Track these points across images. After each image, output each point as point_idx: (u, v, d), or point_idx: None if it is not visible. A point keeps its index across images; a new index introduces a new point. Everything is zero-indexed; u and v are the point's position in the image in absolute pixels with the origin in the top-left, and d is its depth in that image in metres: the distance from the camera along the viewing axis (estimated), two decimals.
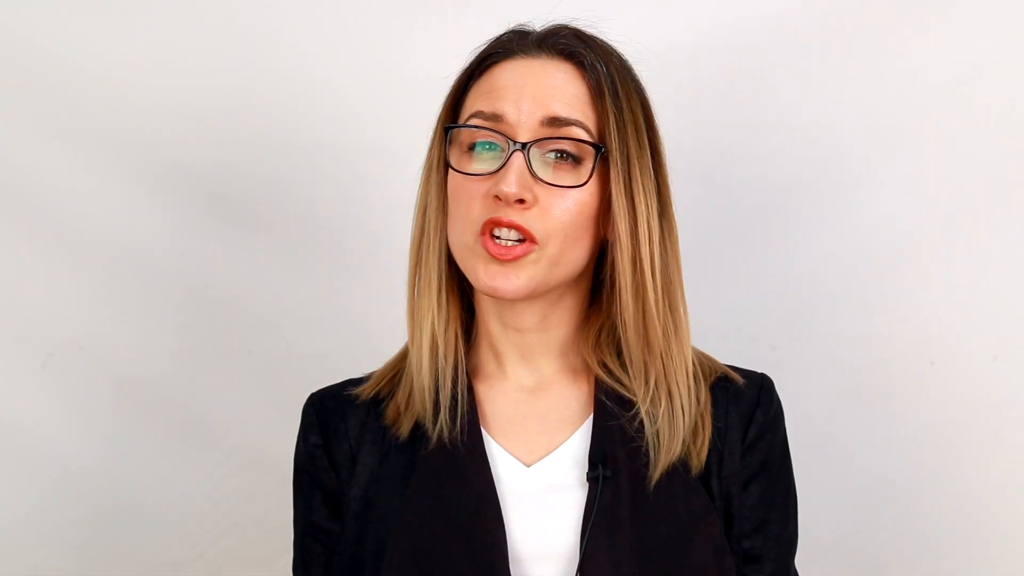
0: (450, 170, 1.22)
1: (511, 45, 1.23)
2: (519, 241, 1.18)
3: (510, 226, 1.17)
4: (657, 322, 1.21)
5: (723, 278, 1.64)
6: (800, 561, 1.29)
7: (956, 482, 1.61)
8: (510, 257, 1.17)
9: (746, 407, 1.25)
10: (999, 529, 1.61)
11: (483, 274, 1.18)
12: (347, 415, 1.28)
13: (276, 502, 1.58)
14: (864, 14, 1.62)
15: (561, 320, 1.26)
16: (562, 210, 1.18)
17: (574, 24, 1.25)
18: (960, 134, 1.61)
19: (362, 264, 1.68)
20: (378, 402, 1.28)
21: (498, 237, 1.17)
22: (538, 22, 1.26)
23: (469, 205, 1.19)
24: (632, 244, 1.20)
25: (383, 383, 1.29)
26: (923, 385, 1.62)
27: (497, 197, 1.16)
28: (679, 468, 1.21)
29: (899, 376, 1.63)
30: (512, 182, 1.16)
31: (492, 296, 1.21)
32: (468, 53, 1.25)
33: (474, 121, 1.20)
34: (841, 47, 1.63)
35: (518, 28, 1.26)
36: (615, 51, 1.25)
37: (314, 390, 1.32)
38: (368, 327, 1.63)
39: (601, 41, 1.24)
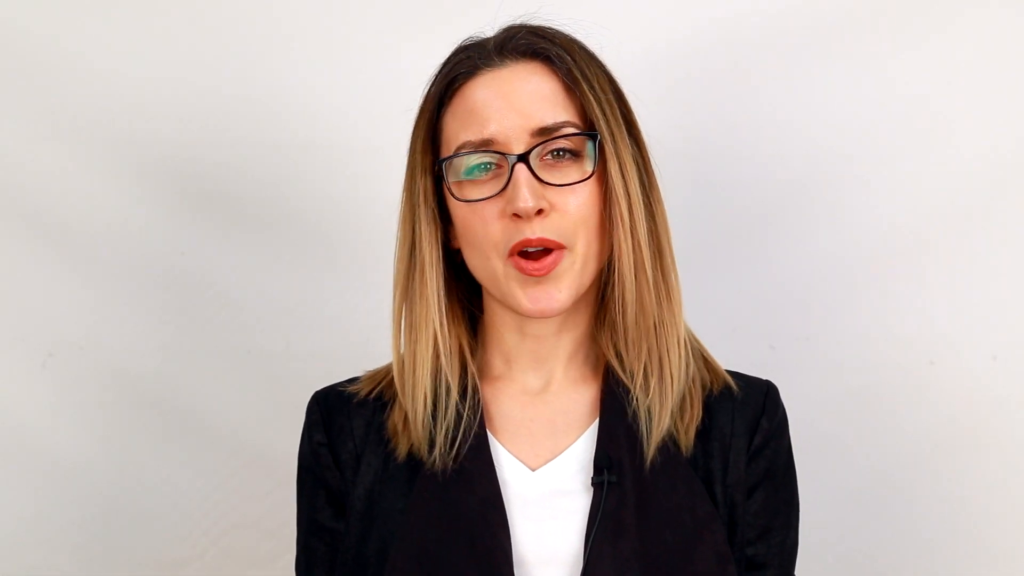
0: (454, 201, 1.20)
1: (473, 61, 1.21)
2: (546, 252, 1.17)
3: (540, 243, 1.16)
4: (652, 294, 1.20)
5: (722, 279, 1.64)
6: (801, 561, 1.29)
7: (956, 482, 1.61)
8: (545, 270, 1.17)
9: (751, 414, 1.25)
10: (999, 529, 1.61)
11: (525, 300, 1.18)
12: (352, 414, 1.27)
13: (276, 502, 1.58)
14: (862, 13, 1.62)
15: (578, 320, 1.25)
16: (577, 206, 1.18)
17: (523, 21, 1.24)
18: (959, 134, 1.61)
19: (362, 264, 1.68)
20: (384, 403, 1.27)
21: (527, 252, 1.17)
22: (487, 30, 1.24)
23: (487, 230, 1.18)
24: (630, 222, 1.19)
25: (384, 381, 1.28)
26: (923, 385, 1.62)
27: (515, 215, 1.16)
28: (678, 456, 1.20)
29: (899, 376, 1.62)
30: (526, 196, 1.15)
31: (538, 318, 1.20)
32: (426, 80, 1.24)
33: (465, 150, 1.18)
34: (839, 47, 1.63)
35: (469, 42, 1.24)
36: (569, 35, 1.23)
37: (317, 388, 1.31)
38: (368, 327, 1.62)
39: (554, 30, 1.23)
